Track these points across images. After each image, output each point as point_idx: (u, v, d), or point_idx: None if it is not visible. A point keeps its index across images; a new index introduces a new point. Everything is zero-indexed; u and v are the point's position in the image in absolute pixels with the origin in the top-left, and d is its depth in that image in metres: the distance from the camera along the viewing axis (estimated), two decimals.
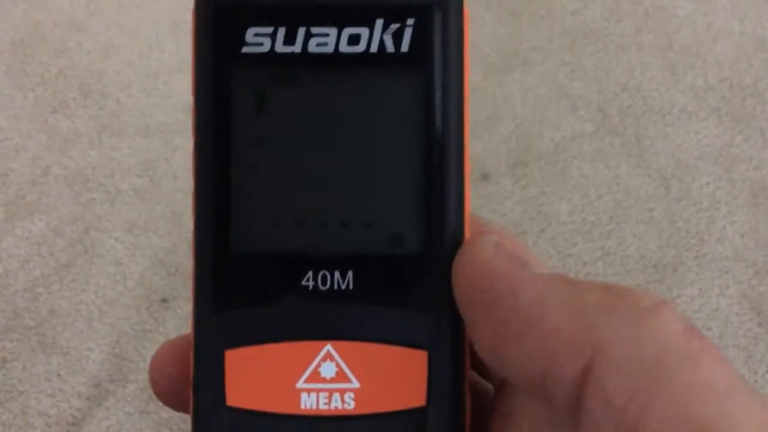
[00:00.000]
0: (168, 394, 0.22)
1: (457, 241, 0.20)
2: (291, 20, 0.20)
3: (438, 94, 0.20)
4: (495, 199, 0.85)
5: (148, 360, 0.82)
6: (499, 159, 0.87)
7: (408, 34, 0.20)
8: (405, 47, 0.20)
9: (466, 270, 0.19)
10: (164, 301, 0.79)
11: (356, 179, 0.20)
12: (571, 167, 0.87)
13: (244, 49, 0.20)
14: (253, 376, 0.20)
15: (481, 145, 0.88)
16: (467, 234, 0.21)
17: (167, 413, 0.74)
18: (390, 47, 0.20)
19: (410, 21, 0.20)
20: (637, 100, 0.91)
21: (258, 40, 0.20)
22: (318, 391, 0.20)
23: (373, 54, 0.20)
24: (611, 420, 0.16)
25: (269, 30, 0.20)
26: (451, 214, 0.20)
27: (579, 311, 0.17)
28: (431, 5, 0.20)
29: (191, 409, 0.21)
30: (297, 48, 0.20)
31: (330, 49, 0.20)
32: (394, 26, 0.20)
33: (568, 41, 0.95)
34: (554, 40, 0.95)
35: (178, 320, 0.77)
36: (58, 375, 0.75)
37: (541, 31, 0.96)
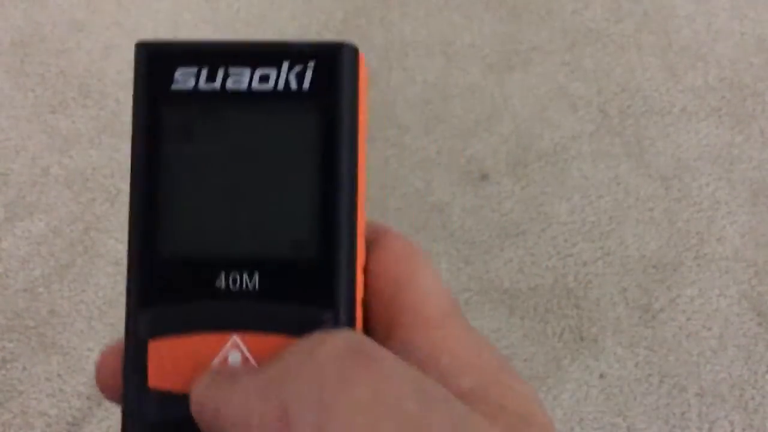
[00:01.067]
0: (107, 388, 0.25)
1: (350, 249, 0.24)
2: (212, 61, 0.24)
3: (334, 124, 0.24)
4: (495, 199, 0.85)
5: None
6: (499, 159, 0.87)
7: (309, 74, 0.24)
8: (306, 85, 0.24)
9: (193, 407, 0.23)
10: None
11: (264, 196, 0.24)
12: (571, 167, 0.87)
13: (173, 87, 0.24)
14: (172, 362, 0.23)
15: (481, 145, 0.88)
16: (361, 241, 0.24)
17: None
18: (294, 85, 0.24)
19: (311, 63, 0.24)
20: (637, 100, 0.91)
21: (184, 78, 0.24)
22: None
23: (279, 91, 0.24)
24: None
25: (194, 69, 0.24)
26: (344, 225, 0.24)
27: (271, 392, 0.21)
28: (330, 49, 0.24)
29: (122, 390, 0.24)
30: (217, 85, 0.24)
31: (244, 86, 0.24)
32: (298, 67, 0.24)
33: (568, 41, 0.95)
34: (554, 40, 0.95)
35: None
36: (58, 375, 0.75)
37: (541, 31, 0.96)
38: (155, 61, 0.24)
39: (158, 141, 0.25)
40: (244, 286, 0.24)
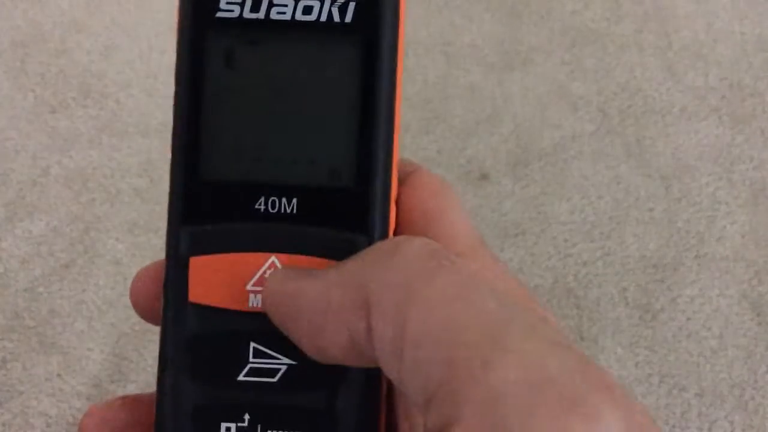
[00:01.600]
0: (144, 308, 0.27)
1: (385, 179, 0.25)
2: None
3: (374, 57, 0.25)
4: (495, 199, 0.85)
5: (149, 360, 0.82)
6: (499, 159, 0.87)
7: (351, 7, 0.25)
8: (349, 18, 0.25)
9: (267, 299, 0.24)
10: None
11: (304, 125, 0.25)
12: (571, 167, 0.87)
13: (218, 14, 0.25)
14: (211, 279, 0.25)
15: (481, 145, 0.88)
16: (395, 174, 0.26)
17: None
18: (336, 17, 0.25)
19: None
20: (637, 100, 0.91)
21: (229, 7, 0.25)
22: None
23: (322, 22, 0.25)
24: (395, 352, 0.20)
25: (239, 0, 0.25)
26: (380, 157, 0.25)
27: (352, 283, 0.22)
28: None
29: (161, 307, 0.25)
30: (261, 14, 0.25)
31: (288, 16, 0.25)
32: (340, 1, 0.25)
33: (568, 41, 0.95)
34: (554, 40, 0.95)
35: None
36: (58, 375, 0.75)
37: (541, 31, 0.96)
38: None
39: (202, 66, 0.25)
40: (282, 209, 0.25)
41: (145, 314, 0.27)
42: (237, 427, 0.24)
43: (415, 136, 0.88)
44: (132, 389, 0.75)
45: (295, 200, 0.25)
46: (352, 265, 0.23)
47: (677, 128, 0.89)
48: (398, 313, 0.21)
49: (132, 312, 0.88)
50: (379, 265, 0.22)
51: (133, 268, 0.80)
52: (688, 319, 0.78)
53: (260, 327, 0.24)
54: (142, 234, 0.82)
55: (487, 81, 0.92)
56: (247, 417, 0.24)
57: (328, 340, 0.22)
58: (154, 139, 0.88)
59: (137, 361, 0.76)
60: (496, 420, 0.18)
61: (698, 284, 0.80)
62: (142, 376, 0.75)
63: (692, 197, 0.85)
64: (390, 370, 0.21)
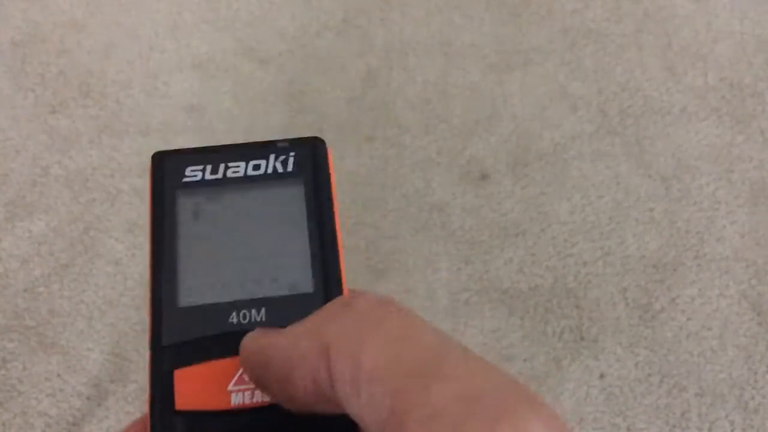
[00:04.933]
0: None
1: (338, 282, 0.29)
2: (214, 160, 0.31)
3: (314, 192, 0.30)
4: (495, 199, 0.85)
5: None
6: (499, 159, 0.87)
7: (291, 160, 0.31)
8: (290, 168, 0.31)
9: (242, 354, 0.27)
10: None
11: (264, 254, 0.30)
12: (571, 167, 0.87)
13: (185, 179, 0.31)
14: (195, 386, 0.27)
15: (481, 145, 0.88)
16: (344, 279, 0.30)
17: None
18: (280, 169, 0.31)
19: (291, 153, 0.31)
20: (637, 100, 0.91)
21: (193, 173, 0.31)
22: (243, 390, 0.27)
23: (269, 173, 0.31)
24: (353, 391, 0.23)
25: (200, 167, 0.31)
26: (330, 265, 0.29)
27: (315, 332, 0.25)
28: (304, 144, 0.31)
29: (149, 419, 0.28)
30: (219, 175, 0.31)
31: (241, 173, 0.31)
32: (282, 156, 0.31)
33: (568, 41, 0.95)
34: (554, 40, 0.95)
35: None
36: (58, 375, 0.75)
37: (541, 31, 0.96)
38: (169, 163, 0.31)
39: (174, 219, 0.30)
40: (253, 319, 0.28)
41: None
42: None
43: (415, 136, 0.88)
44: (132, 389, 0.75)
45: (263, 309, 0.29)
46: (314, 318, 0.26)
47: (677, 128, 0.89)
48: (353, 356, 0.23)
49: (132, 312, 0.89)
50: (336, 316, 0.25)
51: (133, 268, 0.80)
52: (688, 319, 0.78)
53: (244, 422, 0.27)
54: (141, 234, 0.82)
55: (487, 81, 0.92)
56: None
57: (296, 386, 0.25)
58: (154, 139, 0.88)
59: (137, 361, 0.76)
60: None
61: (698, 284, 0.80)
62: (142, 376, 0.75)
63: (692, 197, 0.85)
64: (350, 408, 0.23)
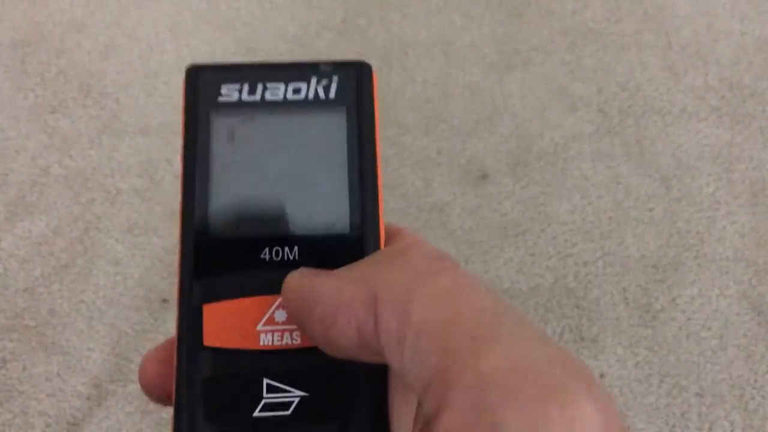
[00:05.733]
0: (152, 388, 0.28)
1: (375, 226, 0.28)
2: (252, 78, 0.29)
3: (356, 123, 0.29)
4: (495, 199, 0.85)
5: None
6: (499, 159, 0.87)
7: (334, 86, 0.29)
8: (332, 95, 0.29)
9: (285, 294, 0.26)
10: (164, 301, 0.79)
11: (300, 186, 0.28)
12: (571, 167, 0.87)
13: (220, 99, 0.29)
14: (224, 323, 0.27)
15: (481, 145, 0.88)
16: (382, 221, 0.28)
17: (167, 413, 0.74)
18: (322, 95, 0.29)
19: (335, 77, 0.29)
20: (637, 100, 0.91)
21: (229, 92, 0.29)
22: (273, 331, 0.27)
23: (310, 100, 0.29)
24: (398, 342, 0.22)
25: (237, 86, 0.29)
26: (368, 206, 0.28)
27: (363, 280, 0.24)
28: (348, 67, 0.29)
29: (176, 353, 0.27)
30: (257, 97, 0.29)
31: (280, 97, 0.29)
32: (324, 81, 0.29)
33: (568, 41, 0.95)
34: (554, 40, 0.95)
35: None
36: (58, 375, 0.75)
37: (541, 31, 0.96)
38: (204, 79, 0.29)
39: (207, 143, 0.29)
40: (285, 257, 0.28)
41: (156, 394, 0.28)
42: None
43: (415, 136, 0.88)
44: (132, 389, 0.75)
45: (296, 248, 0.28)
46: (363, 264, 0.25)
47: (677, 128, 0.89)
48: (402, 307, 0.22)
49: (132, 312, 0.89)
50: (387, 264, 0.24)
51: (133, 268, 0.80)
52: (688, 319, 0.78)
53: (272, 364, 0.27)
54: (141, 234, 0.82)
55: (487, 81, 0.92)
56: None
57: (339, 332, 0.24)
58: (154, 139, 0.88)
59: (137, 361, 0.76)
60: (482, 403, 0.20)
61: (698, 284, 0.80)
62: None
63: (692, 197, 0.85)
64: (393, 360, 0.23)
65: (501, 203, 0.84)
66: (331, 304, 0.24)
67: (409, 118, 0.90)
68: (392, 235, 0.29)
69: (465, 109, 0.90)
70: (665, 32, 0.96)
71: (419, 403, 0.24)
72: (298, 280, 0.26)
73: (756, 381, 0.75)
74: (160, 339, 0.84)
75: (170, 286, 0.80)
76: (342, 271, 0.25)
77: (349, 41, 0.95)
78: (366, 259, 0.25)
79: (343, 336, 0.24)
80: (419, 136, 0.89)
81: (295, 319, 0.26)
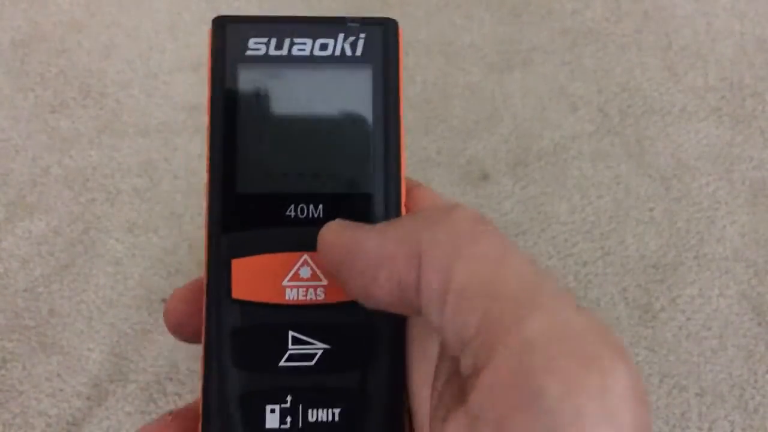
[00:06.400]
0: (179, 327, 0.30)
1: (397, 186, 0.29)
2: (280, 33, 0.29)
3: (381, 81, 0.29)
4: (495, 199, 0.85)
5: (148, 360, 0.82)
6: (499, 159, 0.87)
7: (360, 43, 0.29)
8: (359, 52, 0.29)
9: (324, 246, 0.26)
10: (164, 301, 0.79)
11: (325, 143, 0.29)
12: (571, 167, 0.87)
13: (248, 52, 0.29)
14: (251, 277, 0.28)
15: (481, 145, 0.88)
16: (404, 181, 0.29)
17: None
18: (348, 52, 0.29)
19: (362, 35, 0.29)
20: (637, 100, 0.91)
21: (257, 46, 0.29)
22: (298, 287, 0.28)
23: (337, 56, 0.29)
24: (439, 300, 0.23)
25: (264, 40, 0.29)
26: (391, 166, 0.29)
27: (407, 237, 0.24)
28: (375, 25, 0.29)
29: (204, 304, 0.28)
30: (284, 52, 0.29)
31: (307, 53, 0.29)
32: (351, 38, 0.29)
33: (568, 41, 0.95)
34: (554, 40, 0.95)
35: None
36: (58, 375, 0.75)
37: (541, 31, 0.96)
38: (231, 32, 0.29)
39: (235, 98, 0.29)
40: (310, 214, 0.29)
41: (182, 333, 0.30)
42: (281, 409, 0.27)
43: (415, 136, 0.88)
44: (132, 389, 0.75)
45: (321, 206, 0.28)
46: (407, 221, 0.25)
47: (677, 128, 0.89)
48: (446, 266, 0.23)
49: (132, 312, 0.89)
50: (432, 224, 0.25)
51: (133, 268, 0.80)
52: (688, 319, 0.78)
53: (297, 317, 0.28)
54: (142, 234, 0.82)
55: (487, 81, 0.92)
56: (289, 398, 0.28)
57: (380, 287, 0.25)
58: (154, 139, 0.88)
59: (137, 361, 0.76)
60: (523, 366, 0.21)
61: (698, 284, 0.80)
62: (143, 376, 0.75)
63: (692, 197, 0.85)
64: (433, 317, 0.24)
65: (501, 203, 0.84)
66: (374, 257, 0.25)
67: (409, 118, 0.90)
68: (410, 189, 0.30)
69: (465, 109, 0.90)
70: (665, 32, 0.96)
71: (451, 360, 0.25)
72: (336, 233, 0.26)
73: (756, 381, 0.75)
74: (160, 339, 0.84)
75: (170, 286, 0.80)
76: (385, 226, 0.26)
77: None
78: (410, 215, 0.26)
79: (384, 290, 0.24)
80: (419, 136, 0.89)
81: (334, 270, 0.26)
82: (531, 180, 0.86)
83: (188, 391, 0.75)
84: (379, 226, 0.26)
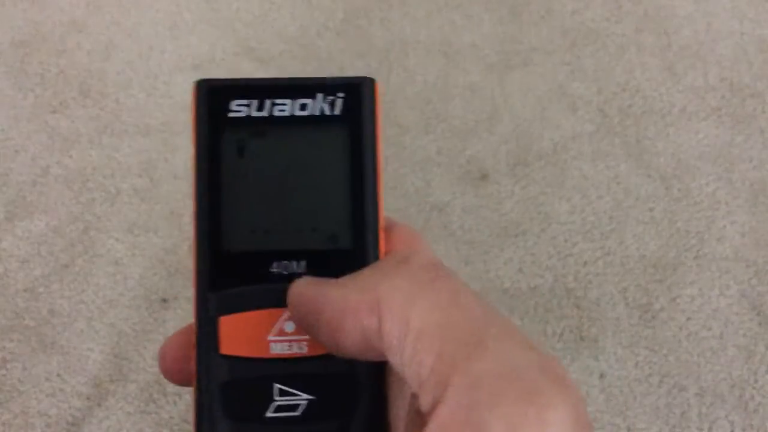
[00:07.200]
0: (172, 372, 0.31)
1: (375, 240, 0.30)
2: (261, 95, 0.30)
3: (359, 140, 0.30)
4: (495, 199, 0.85)
5: (148, 360, 0.82)
6: (499, 159, 0.87)
7: (339, 102, 0.30)
8: (338, 111, 0.30)
9: (293, 301, 0.28)
10: (164, 301, 0.79)
11: (306, 200, 0.30)
12: (571, 167, 0.87)
13: (230, 114, 0.30)
14: (238, 333, 0.29)
15: (481, 145, 0.88)
16: (383, 234, 0.30)
17: (167, 413, 0.74)
18: (327, 111, 0.30)
19: (340, 94, 0.30)
20: (637, 100, 0.91)
21: (239, 108, 0.30)
22: (282, 341, 0.29)
23: (316, 116, 0.30)
24: (399, 344, 0.25)
25: (246, 102, 0.30)
26: (369, 220, 0.30)
27: (368, 287, 0.26)
28: (354, 84, 0.31)
29: (193, 360, 0.30)
30: (266, 113, 0.30)
31: (288, 113, 0.30)
32: (330, 97, 0.30)
33: (568, 41, 0.95)
34: (554, 40, 0.95)
35: (178, 320, 0.77)
36: (58, 375, 0.76)
37: (541, 31, 0.96)
38: (214, 95, 0.30)
39: (218, 158, 0.30)
40: (293, 270, 0.29)
41: (176, 378, 0.31)
42: None
43: (415, 136, 0.88)
44: (132, 389, 0.75)
45: (304, 262, 0.30)
46: (368, 272, 0.27)
47: (677, 128, 0.89)
48: (403, 313, 0.25)
49: (132, 312, 0.89)
50: (390, 273, 0.26)
51: (133, 268, 0.80)
52: (688, 319, 0.78)
53: (282, 370, 0.29)
54: (141, 234, 0.82)
55: (487, 81, 0.92)
56: None
57: (346, 335, 0.26)
58: (154, 139, 0.88)
59: (137, 361, 0.76)
60: (472, 402, 0.23)
61: (698, 284, 0.80)
62: (142, 376, 0.75)
63: (692, 197, 0.85)
64: (394, 359, 0.25)
65: (501, 203, 0.84)
66: (338, 309, 0.26)
67: (409, 118, 0.90)
68: (389, 228, 0.31)
69: (465, 109, 0.91)
70: (665, 32, 0.96)
71: (412, 396, 0.27)
72: (304, 288, 0.28)
73: (756, 381, 0.75)
74: (160, 339, 0.84)
75: (170, 286, 0.80)
76: (347, 280, 0.27)
77: (349, 41, 0.95)
78: (370, 267, 0.28)
79: (350, 338, 0.26)
80: (419, 136, 0.89)
81: (304, 324, 0.28)
82: (531, 180, 0.86)
83: (188, 391, 0.75)
84: (343, 279, 0.27)
